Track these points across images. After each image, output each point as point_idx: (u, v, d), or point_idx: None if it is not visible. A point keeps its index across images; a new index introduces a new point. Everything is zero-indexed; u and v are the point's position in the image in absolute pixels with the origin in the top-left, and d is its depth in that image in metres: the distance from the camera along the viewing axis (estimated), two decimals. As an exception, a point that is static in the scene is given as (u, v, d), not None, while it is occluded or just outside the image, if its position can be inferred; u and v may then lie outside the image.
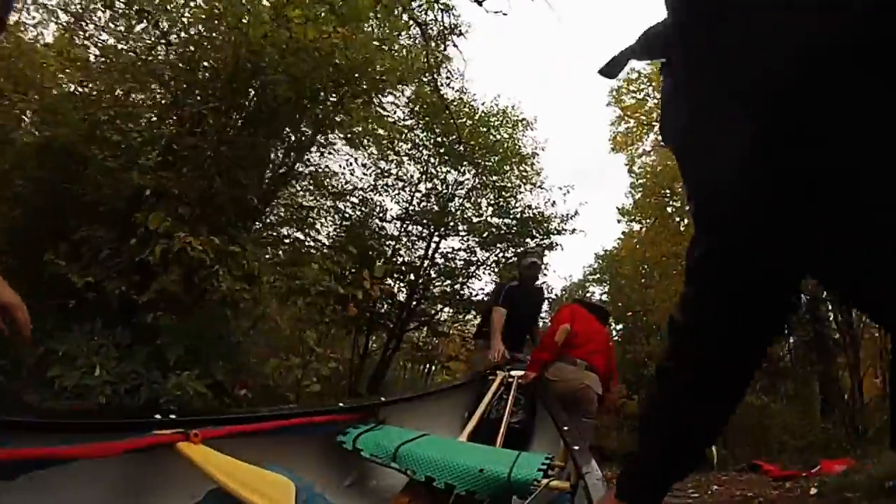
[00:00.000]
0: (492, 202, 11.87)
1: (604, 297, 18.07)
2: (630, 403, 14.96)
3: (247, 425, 1.56)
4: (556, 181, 16.13)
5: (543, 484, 1.70)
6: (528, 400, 3.45)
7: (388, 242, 11.39)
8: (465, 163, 11.20)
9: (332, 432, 2.00)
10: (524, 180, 12.22)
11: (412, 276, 11.36)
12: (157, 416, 1.32)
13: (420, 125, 11.14)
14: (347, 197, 11.24)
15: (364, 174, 11.48)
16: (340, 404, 2.12)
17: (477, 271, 12.13)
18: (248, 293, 4.06)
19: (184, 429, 1.28)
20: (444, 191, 11.52)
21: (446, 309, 12.63)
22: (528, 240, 11.82)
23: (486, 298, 5.19)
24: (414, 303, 11.47)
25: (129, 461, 1.25)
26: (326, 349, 5.00)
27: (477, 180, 11.65)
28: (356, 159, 10.74)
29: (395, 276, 11.23)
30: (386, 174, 11.48)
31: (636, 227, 14.61)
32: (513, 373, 3.66)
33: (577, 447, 1.94)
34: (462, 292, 12.09)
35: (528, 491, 1.70)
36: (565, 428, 2.44)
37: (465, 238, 11.92)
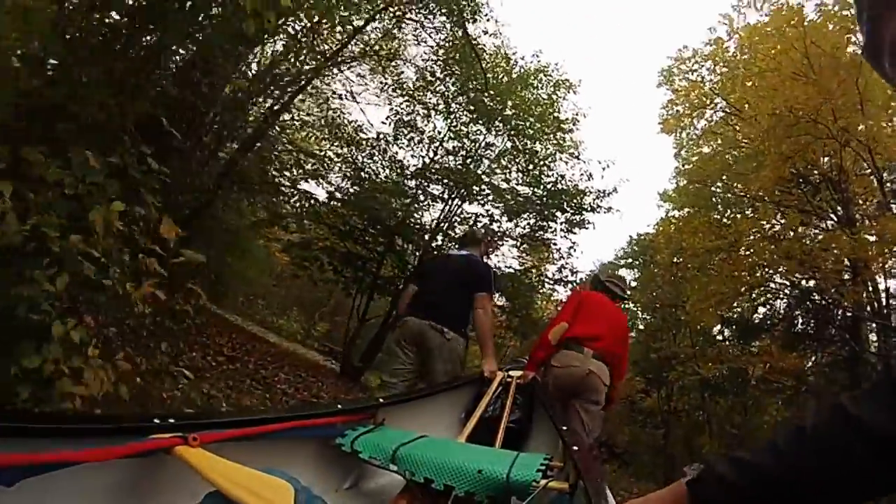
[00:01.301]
0: (522, 168, 11.77)
1: (633, 284, 18.15)
2: (649, 400, 15.21)
3: (245, 429, 1.63)
4: (594, 154, 15.68)
5: (542, 484, 1.78)
6: (527, 400, 3.54)
7: (401, 199, 11.31)
8: (497, 122, 11.13)
9: (330, 434, 2.08)
10: (560, 148, 12.09)
11: (426, 238, 11.26)
12: (156, 420, 1.38)
13: (451, 76, 11.08)
14: (360, 145, 11.29)
15: (382, 122, 11.58)
16: (339, 406, 2.21)
17: (499, 242, 11.80)
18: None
19: (182, 432, 1.34)
20: (472, 150, 11.45)
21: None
22: (557, 213, 11.79)
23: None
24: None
25: (128, 465, 1.32)
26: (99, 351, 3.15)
27: (509, 143, 11.57)
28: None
29: (406, 236, 11.22)
30: (409, 125, 11.45)
31: (676, 213, 14.58)
32: (511, 373, 3.75)
33: (575, 447, 2.04)
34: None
35: (526, 492, 1.78)
36: (564, 428, 2.55)
37: (486, 203, 11.86)
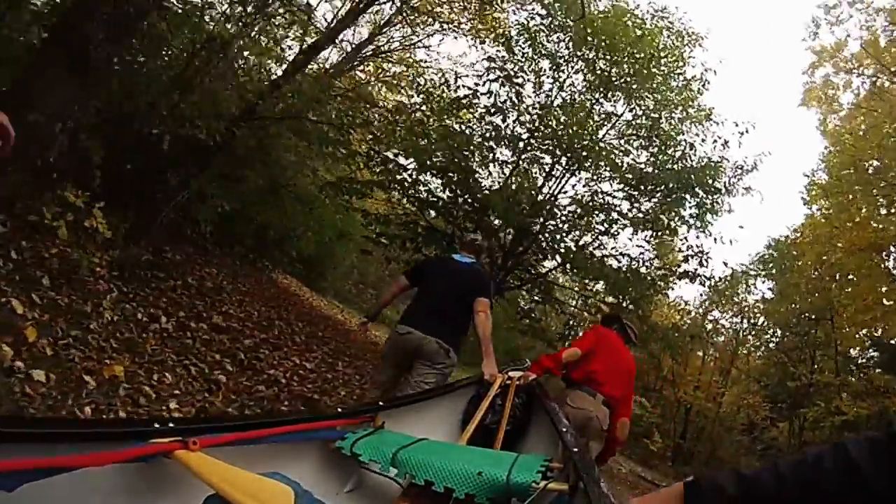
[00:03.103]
0: (643, 139, 11.48)
1: (767, 294, 17.54)
2: (775, 430, 14.80)
3: (245, 432, 1.90)
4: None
5: (542, 486, 2.08)
6: (527, 402, 3.91)
7: (497, 168, 11.38)
8: (613, 89, 11.02)
9: (330, 438, 2.42)
10: (686, 114, 11.68)
11: (523, 214, 10.84)
12: (156, 425, 1.60)
13: (562, 34, 11.13)
14: (452, 108, 11.28)
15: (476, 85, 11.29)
16: (339, 409, 2.63)
17: (614, 226, 11.44)
18: None
19: (182, 437, 1.57)
20: (584, 117, 11.17)
21: (560, 272, 12.26)
22: (686, 196, 11.15)
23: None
24: (520, 248, 11.24)
25: (128, 470, 1.53)
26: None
27: (629, 113, 11.42)
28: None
29: (501, 212, 10.72)
30: (509, 82, 11.20)
31: (824, 204, 13.66)
32: (511, 374, 4.12)
33: (575, 448, 2.35)
34: (588, 249, 11.51)
35: (526, 493, 2.08)
36: (563, 429, 2.88)
37: (601, 180, 11.56)
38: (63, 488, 1.33)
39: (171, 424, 1.64)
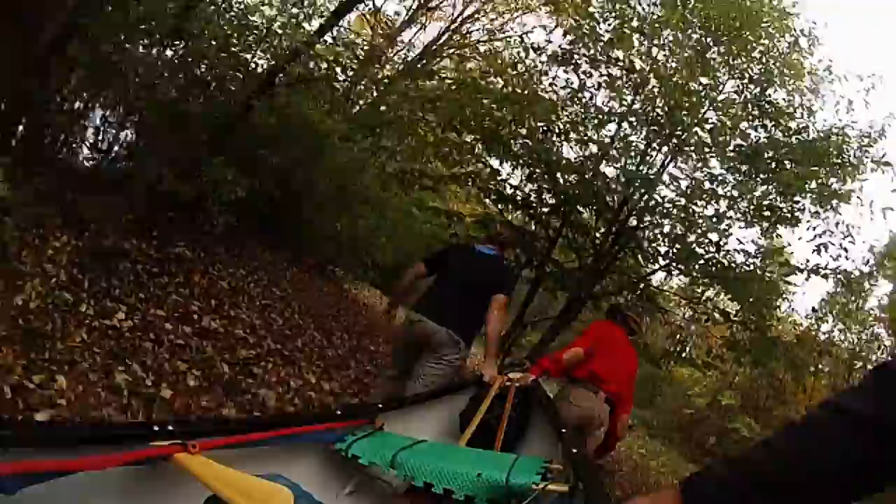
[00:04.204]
0: (752, 110, 10.62)
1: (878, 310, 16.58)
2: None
3: (245, 435, 2.08)
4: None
5: (541, 487, 2.30)
6: (526, 403, 4.12)
7: (588, 150, 11.23)
8: (711, 62, 10.74)
9: (330, 440, 2.66)
10: (798, 73, 10.99)
11: (614, 207, 10.53)
12: (156, 428, 1.75)
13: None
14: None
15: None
16: (338, 411, 2.87)
17: (724, 220, 10.49)
18: None
19: (182, 440, 1.71)
20: (685, 95, 10.43)
21: (665, 272, 11.70)
22: (806, 175, 9.79)
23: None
24: (615, 247, 10.82)
25: (128, 473, 1.67)
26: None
27: (730, 78, 11.02)
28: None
29: (592, 203, 10.63)
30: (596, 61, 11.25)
31: None
32: (510, 375, 4.35)
33: (574, 450, 2.57)
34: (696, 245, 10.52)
35: (526, 494, 2.29)
36: (563, 431, 3.13)
37: (704, 163, 11.04)
38: (63, 491, 1.45)
39: (170, 427, 1.80)
